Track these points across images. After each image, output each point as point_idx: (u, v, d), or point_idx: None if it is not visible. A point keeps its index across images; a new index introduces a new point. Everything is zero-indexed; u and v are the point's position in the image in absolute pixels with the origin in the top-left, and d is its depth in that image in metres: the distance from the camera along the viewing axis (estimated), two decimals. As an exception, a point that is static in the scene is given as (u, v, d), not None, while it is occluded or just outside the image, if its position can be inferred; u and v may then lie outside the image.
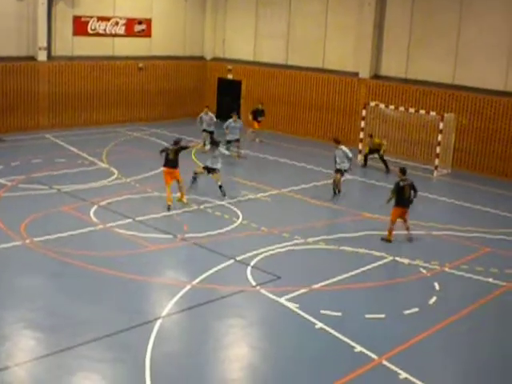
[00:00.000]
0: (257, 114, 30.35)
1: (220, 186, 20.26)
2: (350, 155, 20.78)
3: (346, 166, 20.68)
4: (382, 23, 29.15)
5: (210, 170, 20.21)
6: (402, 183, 17.07)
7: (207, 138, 25.64)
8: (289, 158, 26.96)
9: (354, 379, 10.59)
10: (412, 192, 17.20)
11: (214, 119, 27.47)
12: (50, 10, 29.47)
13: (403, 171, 17.35)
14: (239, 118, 28.27)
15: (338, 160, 20.74)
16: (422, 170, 25.84)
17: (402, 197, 17.07)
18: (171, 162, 19.05)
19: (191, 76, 35.30)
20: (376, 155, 25.59)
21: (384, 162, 25.46)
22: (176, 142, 19.33)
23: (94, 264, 14.68)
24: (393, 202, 17.26)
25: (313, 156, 27.29)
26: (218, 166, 20.18)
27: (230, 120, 26.18)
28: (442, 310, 13.47)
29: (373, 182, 23.46)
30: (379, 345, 11.68)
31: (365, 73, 29.50)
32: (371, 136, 25.85)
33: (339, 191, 21.09)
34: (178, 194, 19.52)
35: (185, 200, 19.48)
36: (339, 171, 20.83)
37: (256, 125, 30.39)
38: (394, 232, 17.21)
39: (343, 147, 20.81)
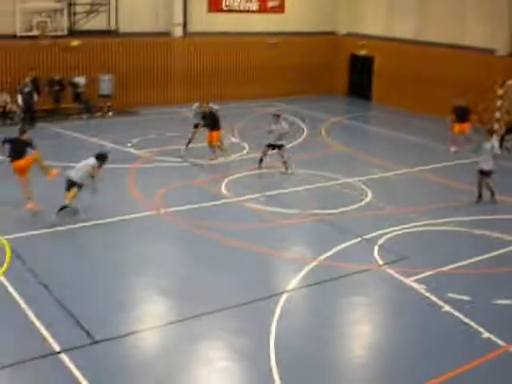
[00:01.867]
0: (459, 113, 24.08)
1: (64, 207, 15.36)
2: (498, 152, 18.01)
3: (490, 165, 17.90)
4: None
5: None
6: None
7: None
8: (419, 136, 26.35)
9: (480, 365, 10.37)
10: None
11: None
12: (186, -13, 30.23)
13: None
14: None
15: (482, 154, 18.10)
16: None
17: None
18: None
19: (323, 52, 35.06)
20: (513, 136, 24.44)
21: (523, 143, 24.34)
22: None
23: (223, 235, 15.11)
24: None
25: (443, 135, 26.34)
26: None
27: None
28: None
29: (510, 164, 22.23)
30: (508, 332, 11.35)
31: (503, 50, 28.27)
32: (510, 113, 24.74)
33: (483, 195, 18.35)
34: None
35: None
36: (482, 173, 18.11)
37: (457, 127, 24.10)
38: None
39: (495, 141, 18.29)
